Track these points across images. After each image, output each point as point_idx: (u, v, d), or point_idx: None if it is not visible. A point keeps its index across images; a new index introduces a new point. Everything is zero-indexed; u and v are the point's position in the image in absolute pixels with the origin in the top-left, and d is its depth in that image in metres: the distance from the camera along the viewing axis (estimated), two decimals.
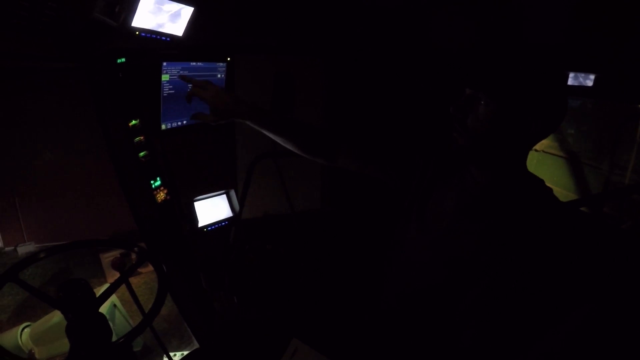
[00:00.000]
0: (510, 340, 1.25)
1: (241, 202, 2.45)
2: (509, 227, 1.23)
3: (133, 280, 3.35)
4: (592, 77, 2.17)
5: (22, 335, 2.45)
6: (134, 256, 2.46)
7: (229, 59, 2.10)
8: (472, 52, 2.27)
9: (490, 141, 1.19)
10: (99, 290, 1.54)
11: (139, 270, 3.44)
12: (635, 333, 1.13)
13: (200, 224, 2.38)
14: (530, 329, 1.23)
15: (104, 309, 2.42)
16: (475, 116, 1.18)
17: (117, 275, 1.84)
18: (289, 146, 1.58)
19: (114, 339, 1.48)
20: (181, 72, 1.93)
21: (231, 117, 1.57)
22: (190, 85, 1.60)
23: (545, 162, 5.13)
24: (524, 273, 1.20)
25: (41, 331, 2.40)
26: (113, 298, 2.60)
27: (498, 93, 1.14)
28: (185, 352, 2.55)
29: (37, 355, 2.37)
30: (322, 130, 1.58)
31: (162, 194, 2.11)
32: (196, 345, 2.47)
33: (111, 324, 2.35)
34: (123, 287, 1.76)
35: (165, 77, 1.90)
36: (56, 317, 2.36)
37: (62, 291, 1.41)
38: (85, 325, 1.43)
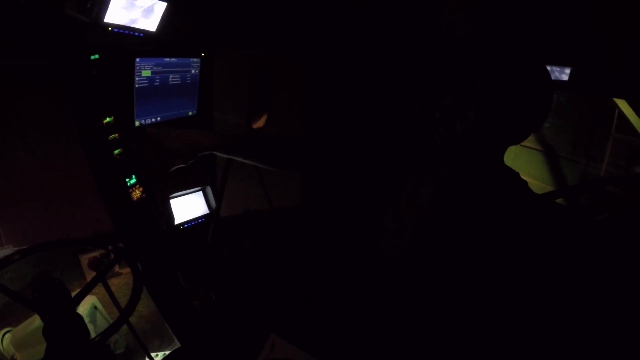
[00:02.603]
0: (488, 330, 1.27)
1: (218, 198, 2.43)
2: (484, 220, 1.25)
3: (114, 281, 3.32)
4: (568, 71, 2.19)
5: (3, 340, 2.41)
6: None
7: (203, 54, 2.09)
8: (458, 51, 2.27)
9: (476, 144, 1.20)
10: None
11: (119, 271, 3.40)
12: (607, 319, 1.15)
13: (176, 222, 2.36)
14: (507, 318, 1.25)
15: (84, 310, 2.40)
16: (463, 122, 1.18)
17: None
18: (260, 165, 1.59)
19: None
20: (154, 68, 1.91)
21: (196, 152, 1.56)
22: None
23: (522, 156, 5.19)
24: (499, 264, 1.22)
25: (22, 336, 2.36)
26: (93, 300, 2.57)
27: (489, 102, 1.14)
28: (167, 352, 2.53)
29: None
30: (292, 141, 1.58)
31: (137, 192, 2.09)
32: (177, 344, 2.45)
33: (92, 326, 2.34)
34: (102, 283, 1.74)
35: (146, 73, 1.88)
36: (37, 321, 2.33)
37: (37, 292, 1.40)
38: (62, 325, 1.41)
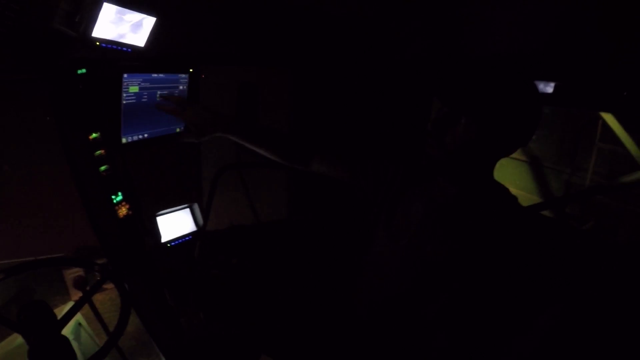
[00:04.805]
0: (482, 345, 1.29)
1: (205, 215, 2.41)
2: (476, 234, 1.26)
3: (98, 296, 3.26)
4: (552, 84, 2.21)
5: None
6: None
7: (191, 70, 2.06)
8: (439, 64, 2.30)
9: (466, 156, 1.22)
10: (62, 309, 1.50)
11: (104, 286, 3.35)
12: (602, 327, 1.17)
13: (163, 239, 2.33)
14: (501, 332, 1.26)
15: (68, 327, 2.35)
16: (454, 134, 1.20)
17: (80, 293, 1.80)
18: (268, 155, 1.64)
19: (81, 359, 1.44)
20: (142, 84, 1.88)
21: (212, 133, 1.64)
22: (158, 95, 1.67)
23: (507, 166, 5.22)
24: (491, 277, 1.24)
25: (5, 353, 2.30)
26: (78, 317, 2.52)
27: (480, 115, 1.16)
28: None
29: None
30: (297, 137, 1.65)
31: (124, 209, 2.06)
32: None
33: (77, 344, 2.30)
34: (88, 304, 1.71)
35: (134, 89, 1.86)
36: (20, 337, 2.29)
37: (23, 314, 1.37)
38: (47, 348, 1.38)
